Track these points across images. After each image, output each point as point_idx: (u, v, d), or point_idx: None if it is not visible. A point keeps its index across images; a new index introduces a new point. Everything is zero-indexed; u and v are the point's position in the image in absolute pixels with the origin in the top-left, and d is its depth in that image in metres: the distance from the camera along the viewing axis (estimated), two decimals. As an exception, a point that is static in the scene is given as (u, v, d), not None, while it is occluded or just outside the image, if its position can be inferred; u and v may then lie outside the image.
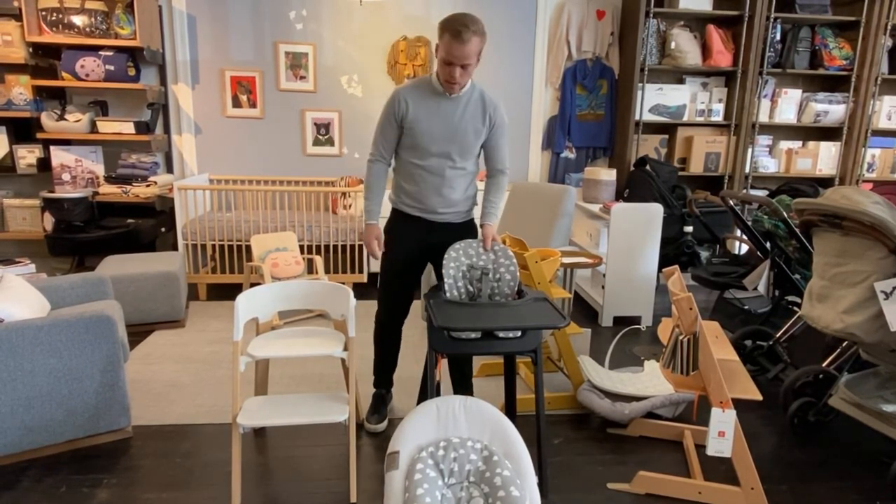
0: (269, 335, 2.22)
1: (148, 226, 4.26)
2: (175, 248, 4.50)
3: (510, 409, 2.44)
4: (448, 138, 2.26)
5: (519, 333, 2.04)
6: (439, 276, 2.48)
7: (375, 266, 4.39)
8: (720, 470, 2.29)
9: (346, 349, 2.13)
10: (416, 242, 2.41)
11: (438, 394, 2.10)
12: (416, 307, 4.10)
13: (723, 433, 1.92)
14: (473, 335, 2.03)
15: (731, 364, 2.14)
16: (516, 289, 2.28)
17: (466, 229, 2.46)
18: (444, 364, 2.17)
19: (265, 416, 1.97)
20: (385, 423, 2.56)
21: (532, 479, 1.47)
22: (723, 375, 1.97)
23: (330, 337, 2.22)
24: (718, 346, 2.18)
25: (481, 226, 2.36)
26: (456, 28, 2.06)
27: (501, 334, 2.04)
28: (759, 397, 1.99)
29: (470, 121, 2.27)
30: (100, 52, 4.06)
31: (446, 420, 1.53)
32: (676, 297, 1.96)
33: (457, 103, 2.26)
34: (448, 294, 2.24)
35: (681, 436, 2.49)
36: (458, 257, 2.28)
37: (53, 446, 2.30)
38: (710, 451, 1.95)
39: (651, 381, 2.75)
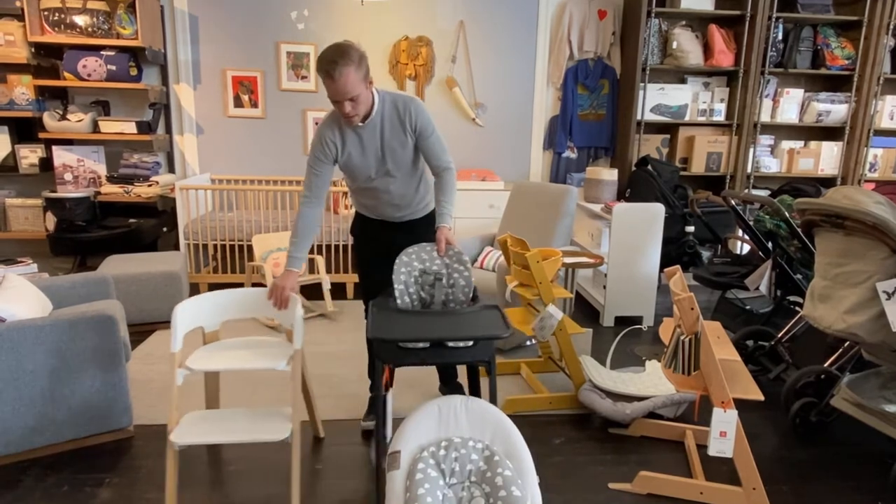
0: (212, 346, 2.12)
1: (150, 226, 4.27)
2: (177, 247, 4.50)
3: None
4: (379, 162, 2.24)
5: (470, 343, 1.91)
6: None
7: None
8: (722, 470, 2.29)
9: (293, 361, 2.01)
10: (384, 239, 2.41)
11: (385, 408, 1.98)
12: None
13: (724, 433, 1.92)
14: (421, 344, 1.90)
15: (732, 364, 2.13)
16: (471, 295, 2.17)
17: (427, 221, 2.44)
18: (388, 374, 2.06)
19: (201, 434, 1.89)
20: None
21: (533, 478, 1.46)
22: (724, 375, 1.97)
23: (277, 349, 2.12)
24: (720, 346, 2.18)
25: (436, 228, 2.26)
26: (324, 69, 1.98)
27: (451, 344, 1.91)
28: (761, 397, 1.99)
29: (391, 139, 2.21)
30: (102, 52, 4.07)
31: (448, 420, 1.53)
32: (678, 296, 1.96)
33: (373, 127, 2.19)
34: (399, 301, 2.12)
35: (682, 436, 2.49)
36: (409, 262, 2.18)
37: (55, 445, 2.30)
38: (711, 452, 1.94)
39: (652, 381, 2.75)
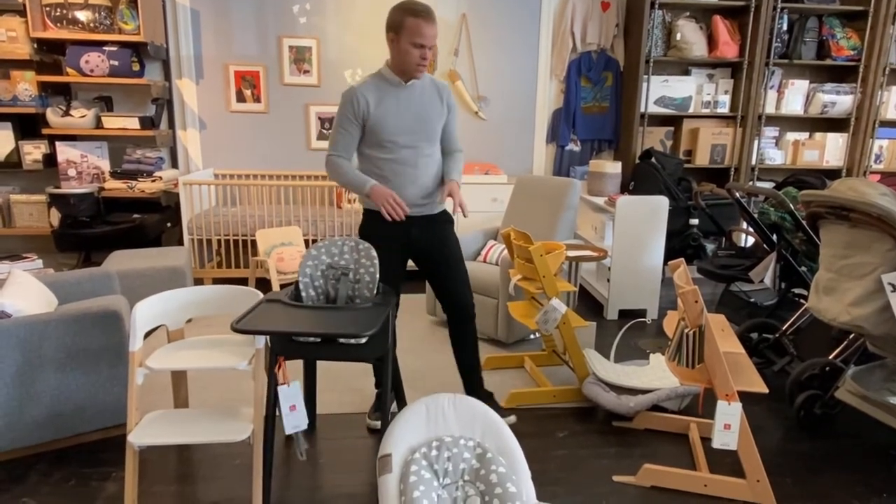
0: (175, 345, 2.10)
1: (153, 221, 4.28)
2: (181, 243, 4.51)
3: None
4: (414, 128, 2.26)
5: (363, 340, 1.93)
6: (426, 274, 2.44)
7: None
8: (726, 462, 2.29)
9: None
10: (398, 242, 2.35)
11: (276, 399, 1.98)
12: (421, 301, 4.10)
13: (728, 426, 1.92)
14: (312, 339, 1.94)
15: (736, 357, 2.13)
16: (375, 290, 2.15)
17: (443, 219, 2.43)
18: (286, 367, 2.05)
19: (160, 435, 1.87)
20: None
21: (526, 473, 1.45)
22: (728, 368, 1.96)
23: (240, 348, 2.06)
24: (724, 338, 2.18)
25: (445, 182, 2.33)
26: (422, 10, 2.13)
27: (342, 340, 1.94)
28: (766, 390, 1.99)
29: (430, 106, 2.29)
30: (104, 48, 4.06)
31: (436, 419, 1.51)
32: (682, 289, 1.96)
33: (412, 91, 2.27)
34: (304, 293, 2.12)
35: (686, 429, 2.50)
36: (318, 255, 2.15)
37: (62, 440, 2.32)
38: (715, 444, 1.94)
39: (656, 374, 2.74)
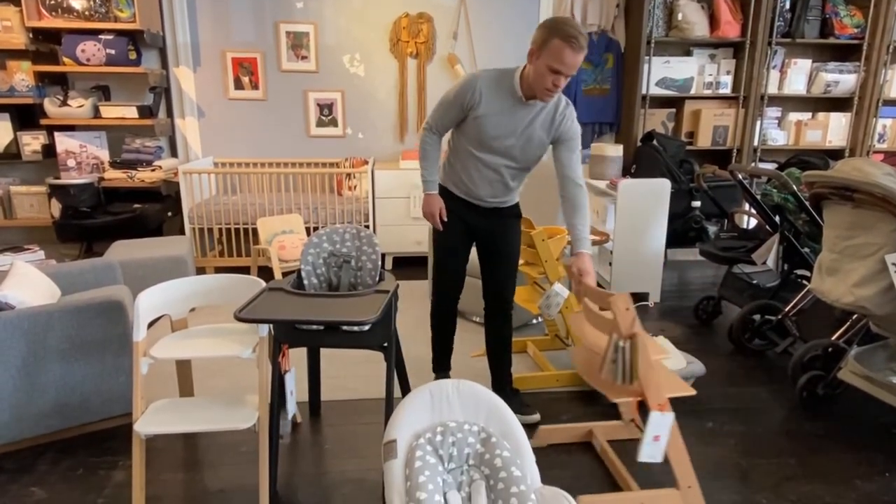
0: (179, 334, 2.11)
1: (154, 210, 4.27)
2: (182, 232, 4.51)
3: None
4: (512, 142, 2.17)
5: (366, 327, 1.93)
6: (483, 258, 2.40)
7: (386, 248, 4.37)
8: (646, 466, 2.17)
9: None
10: (465, 219, 2.34)
11: (283, 385, 1.99)
12: (422, 287, 4.10)
13: (658, 437, 1.79)
14: (315, 327, 1.95)
15: (656, 362, 1.91)
16: (377, 277, 2.15)
17: (512, 213, 2.39)
18: (290, 354, 2.06)
19: (166, 423, 1.88)
20: None
21: (530, 457, 1.46)
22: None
23: (244, 336, 2.06)
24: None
25: (574, 254, 2.18)
26: (571, 34, 1.93)
27: (345, 328, 1.94)
28: (693, 392, 1.90)
29: (539, 127, 2.17)
30: (100, 37, 4.03)
31: (440, 405, 1.51)
32: (612, 297, 1.81)
33: (530, 110, 2.15)
34: (306, 281, 2.13)
35: (589, 436, 2.37)
36: (319, 243, 2.16)
37: (69, 430, 2.34)
38: (641, 458, 1.78)
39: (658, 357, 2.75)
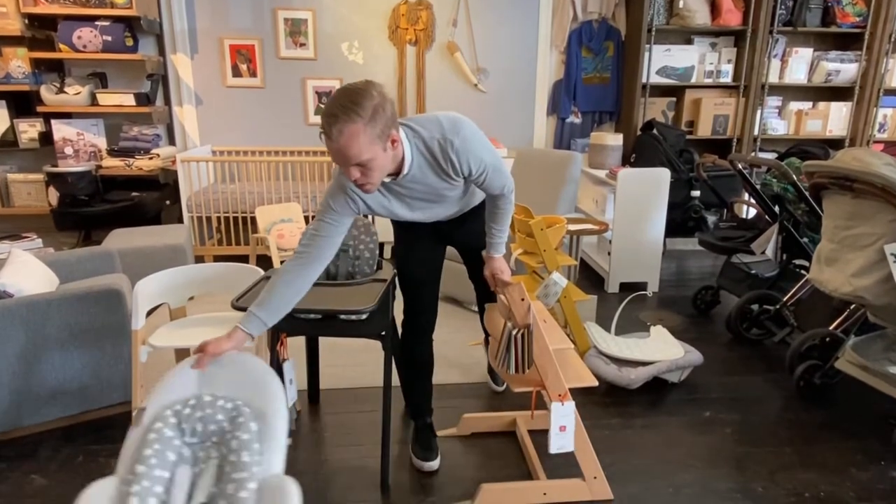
0: (177, 323, 2.09)
1: (152, 199, 4.26)
2: (180, 220, 4.50)
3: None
4: (427, 206, 1.84)
5: (364, 316, 1.88)
6: (465, 257, 2.22)
7: (386, 236, 4.37)
8: (560, 456, 2.10)
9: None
10: (428, 228, 2.05)
11: (281, 374, 1.95)
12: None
13: (564, 427, 1.78)
14: (313, 316, 1.91)
15: (563, 352, 1.91)
16: (375, 267, 2.13)
17: (478, 207, 2.09)
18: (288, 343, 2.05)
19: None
20: (437, 458, 2.13)
21: (278, 442, 1.38)
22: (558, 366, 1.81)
23: None
24: (549, 332, 1.88)
25: (486, 258, 2.02)
26: (322, 123, 1.46)
27: (343, 316, 1.89)
28: (595, 383, 1.85)
29: (436, 183, 1.74)
30: (96, 23, 3.99)
31: (208, 376, 1.45)
32: (508, 285, 1.78)
33: (410, 180, 1.71)
34: None
35: (512, 425, 2.35)
36: None
37: (68, 417, 2.34)
38: (553, 449, 1.77)
39: (657, 347, 2.76)
